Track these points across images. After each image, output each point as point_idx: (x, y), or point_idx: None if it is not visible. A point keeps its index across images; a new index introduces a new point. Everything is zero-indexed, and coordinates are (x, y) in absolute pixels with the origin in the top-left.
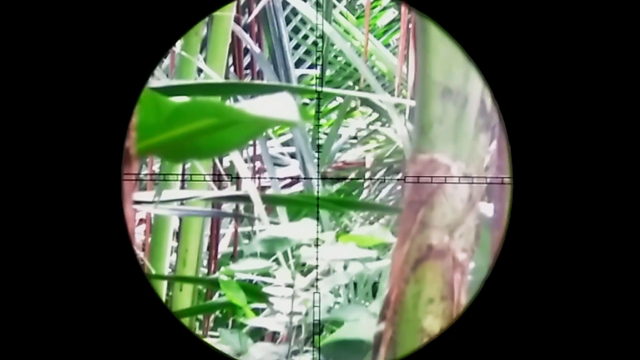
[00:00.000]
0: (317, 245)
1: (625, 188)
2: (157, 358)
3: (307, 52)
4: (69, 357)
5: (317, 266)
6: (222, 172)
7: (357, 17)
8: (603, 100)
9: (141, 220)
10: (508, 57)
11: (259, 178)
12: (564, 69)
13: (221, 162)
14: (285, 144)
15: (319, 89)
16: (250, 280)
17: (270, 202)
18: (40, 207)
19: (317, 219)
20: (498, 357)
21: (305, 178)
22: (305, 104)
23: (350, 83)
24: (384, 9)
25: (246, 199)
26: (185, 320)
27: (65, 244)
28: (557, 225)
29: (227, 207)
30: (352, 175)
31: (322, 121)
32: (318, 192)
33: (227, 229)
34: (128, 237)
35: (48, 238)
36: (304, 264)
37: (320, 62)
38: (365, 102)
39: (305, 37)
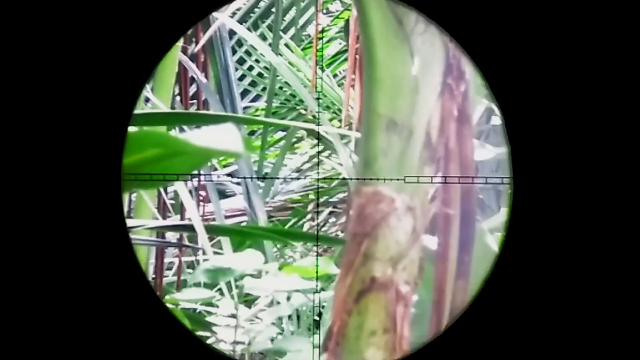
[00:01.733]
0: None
1: (625, 188)
2: (156, 358)
3: (252, 84)
4: (69, 356)
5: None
6: (167, 202)
7: (303, 49)
8: (603, 101)
9: None
10: (508, 58)
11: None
12: (563, 70)
13: (166, 192)
14: (230, 174)
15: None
16: (194, 310)
17: (215, 232)
18: (39, 207)
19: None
20: (498, 357)
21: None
22: (250, 135)
23: (296, 114)
24: (330, 40)
25: (190, 228)
26: None
27: (65, 243)
28: (556, 225)
29: (172, 236)
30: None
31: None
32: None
33: (172, 258)
34: (128, 236)
35: (48, 238)
36: (247, 294)
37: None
38: (311, 133)
39: (251, 68)
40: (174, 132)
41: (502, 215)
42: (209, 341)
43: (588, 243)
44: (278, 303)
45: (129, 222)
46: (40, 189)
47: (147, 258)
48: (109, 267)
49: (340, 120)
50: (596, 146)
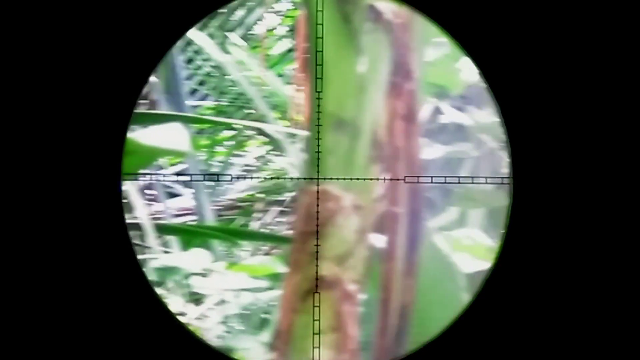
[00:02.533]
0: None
1: (625, 188)
2: (156, 357)
3: (202, 82)
4: (69, 356)
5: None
6: None
7: (252, 48)
8: (603, 101)
9: None
10: (508, 57)
11: None
12: (563, 70)
13: None
14: (178, 173)
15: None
16: None
17: (163, 232)
18: (39, 207)
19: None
20: (498, 357)
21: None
22: (198, 133)
23: (246, 112)
24: (279, 38)
25: (139, 227)
26: None
27: (65, 243)
28: (556, 225)
29: None
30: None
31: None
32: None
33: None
34: (128, 236)
35: (47, 238)
36: (195, 293)
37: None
38: (260, 131)
39: (199, 67)
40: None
41: (450, 214)
42: None
43: (588, 242)
44: (226, 302)
45: None
46: (40, 189)
47: None
48: (108, 267)
49: (287, 120)
50: (596, 146)
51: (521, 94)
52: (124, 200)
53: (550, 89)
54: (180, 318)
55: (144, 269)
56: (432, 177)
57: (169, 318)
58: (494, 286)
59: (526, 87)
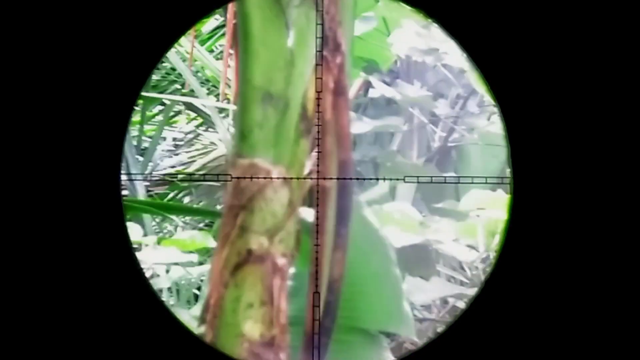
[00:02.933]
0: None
1: (624, 187)
2: (155, 355)
3: None
4: (68, 356)
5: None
6: None
7: None
8: (602, 101)
9: None
10: (508, 58)
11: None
12: (563, 70)
13: None
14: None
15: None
16: None
17: None
18: (39, 207)
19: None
20: (498, 356)
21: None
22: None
23: (176, 87)
24: (209, 15)
25: None
26: None
27: (64, 242)
28: (556, 224)
29: None
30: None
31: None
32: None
33: None
34: (127, 235)
35: (47, 237)
36: None
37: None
38: (190, 106)
39: None
40: None
41: (379, 188)
42: None
43: (588, 242)
44: (157, 276)
45: None
46: (39, 189)
47: None
48: (107, 266)
49: (217, 95)
50: (596, 146)
51: (521, 94)
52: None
53: (550, 89)
54: None
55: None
56: (432, 177)
57: (168, 317)
58: (494, 286)
59: (526, 88)
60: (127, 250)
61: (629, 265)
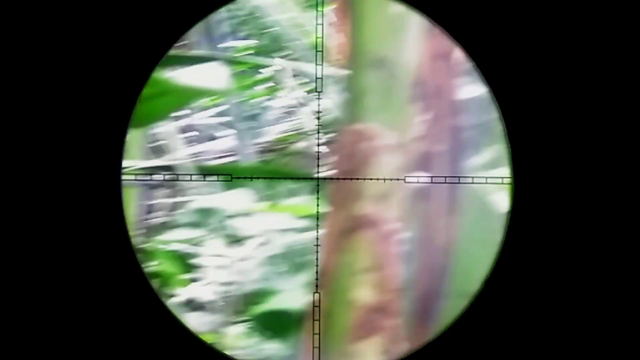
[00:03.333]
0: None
1: (624, 187)
2: (155, 355)
3: (241, 23)
4: (67, 354)
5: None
6: (157, 142)
7: None
8: (603, 101)
9: None
10: (508, 58)
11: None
12: (563, 70)
13: (154, 132)
14: (220, 114)
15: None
16: (183, 250)
17: (204, 172)
18: (39, 205)
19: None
20: (498, 357)
21: None
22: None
23: (284, 53)
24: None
25: (181, 168)
26: None
27: (64, 241)
28: (556, 225)
29: (161, 176)
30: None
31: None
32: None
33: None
34: (127, 234)
35: (47, 236)
36: (237, 234)
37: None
38: (299, 72)
39: (237, 8)
40: (162, 73)
41: (491, 152)
42: (197, 283)
43: (588, 242)
44: (268, 242)
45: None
46: (40, 189)
47: (135, 199)
48: (108, 265)
49: (327, 60)
50: (596, 146)
51: (521, 94)
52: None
53: (550, 89)
54: (221, 259)
55: (143, 267)
56: (432, 177)
57: (168, 316)
58: (494, 286)
59: (526, 88)
60: (127, 251)
61: (629, 263)
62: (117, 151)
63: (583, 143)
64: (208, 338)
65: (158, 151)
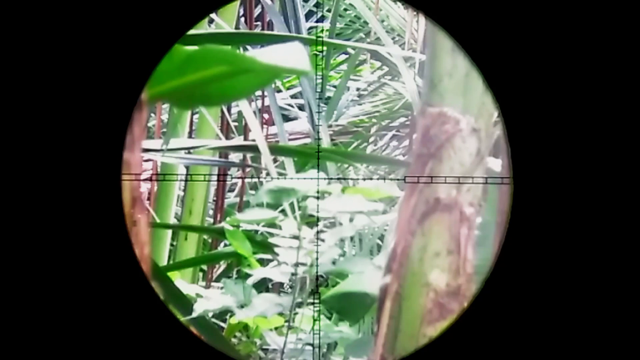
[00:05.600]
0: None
1: (625, 188)
2: (155, 356)
3: (317, 4)
4: (66, 355)
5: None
6: (230, 123)
7: None
8: (603, 100)
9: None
10: (508, 58)
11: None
12: (563, 69)
13: (229, 112)
14: (293, 96)
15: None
16: (256, 231)
17: (278, 153)
18: (39, 203)
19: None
20: (498, 357)
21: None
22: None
23: (360, 36)
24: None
25: (254, 149)
26: (189, 271)
27: (64, 240)
28: (557, 225)
29: (235, 157)
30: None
31: (331, 74)
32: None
33: (234, 179)
34: (127, 233)
35: (47, 235)
36: (310, 216)
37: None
38: (375, 55)
39: None
40: (241, 50)
41: None
42: (271, 264)
43: (588, 242)
44: (341, 224)
45: (192, 142)
46: (39, 188)
47: (209, 179)
48: (108, 264)
49: (403, 44)
50: (596, 146)
51: (521, 94)
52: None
53: (550, 89)
54: (294, 241)
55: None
56: (432, 177)
57: (169, 316)
58: (494, 286)
59: (526, 88)
60: (128, 253)
61: (629, 264)
62: (117, 151)
63: (583, 143)
64: (278, 321)
65: (234, 131)
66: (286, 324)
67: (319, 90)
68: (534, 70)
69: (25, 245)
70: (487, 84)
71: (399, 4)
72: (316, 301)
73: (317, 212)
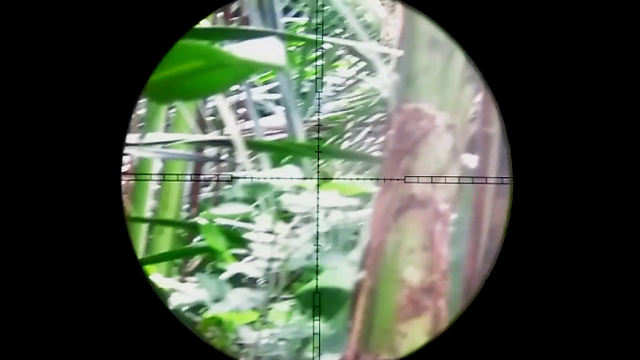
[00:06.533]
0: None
1: (624, 188)
2: (155, 355)
3: (295, 0)
4: (68, 355)
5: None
6: (206, 117)
7: None
8: (602, 101)
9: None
10: (508, 58)
11: None
12: (563, 70)
13: (205, 106)
14: (270, 91)
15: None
16: (231, 226)
17: (253, 148)
18: (40, 203)
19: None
20: (498, 357)
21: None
22: (292, 51)
23: (336, 32)
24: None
25: (230, 144)
26: (164, 265)
27: (64, 239)
28: (556, 225)
29: (210, 151)
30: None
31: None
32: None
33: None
34: (127, 232)
35: (47, 235)
36: (285, 211)
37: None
38: (351, 51)
39: None
40: (218, 45)
41: None
42: (245, 259)
43: (587, 242)
44: (316, 220)
45: (168, 137)
46: (39, 188)
47: (184, 173)
48: (108, 264)
49: (379, 40)
50: (596, 146)
51: (521, 94)
52: (213, 118)
53: (550, 89)
54: (269, 236)
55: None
56: (432, 177)
57: (168, 316)
58: (494, 286)
59: (526, 88)
60: (127, 251)
61: (629, 264)
62: (117, 150)
63: (583, 143)
64: (252, 315)
65: (210, 125)
66: (260, 318)
67: (297, 85)
68: (534, 71)
69: (25, 245)
70: (486, 84)
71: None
72: (291, 296)
73: (293, 207)
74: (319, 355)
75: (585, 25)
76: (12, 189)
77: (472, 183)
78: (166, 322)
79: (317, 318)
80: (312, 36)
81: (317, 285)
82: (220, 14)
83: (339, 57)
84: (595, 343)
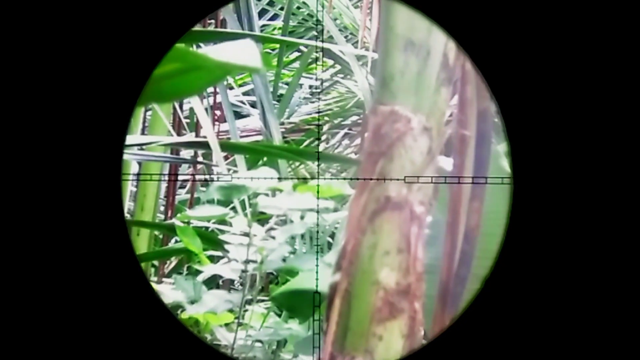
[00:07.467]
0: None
1: (624, 188)
2: (155, 355)
3: (271, 3)
4: (67, 354)
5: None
6: (182, 119)
7: None
8: (602, 101)
9: None
10: (508, 58)
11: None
12: (563, 70)
13: (181, 109)
14: (245, 93)
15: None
16: (207, 228)
17: (229, 150)
18: (41, 203)
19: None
20: (499, 356)
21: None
22: (268, 53)
23: (313, 34)
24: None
25: (206, 145)
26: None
27: (64, 239)
28: (556, 225)
29: (186, 153)
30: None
31: (283, 71)
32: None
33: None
34: (126, 233)
35: (47, 235)
36: (260, 213)
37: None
38: (328, 53)
39: None
40: (194, 47)
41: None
42: (221, 262)
43: (587, 242)
44: (291, 222)
45: (144, 139)
46: (39, 188)
47: (160, 174)
48: (108, 263)
49: (355, 42)
50: (596, 146)
51: (521, 94)
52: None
53: (550, 89)
54: (244, 238)
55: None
56: (432, 177)
57: (168, 316)
58: (494, 286)
59: (526, 87)
60: (129, 255)
61: (629, 264)
62: (117, 151)
63: (583, 143)
64: (228, 317)
65: (186, 127)
66: (236, 320)
67: (272, 88)
68: (534, 71)
69: (25, 245)
70: (486, 84)
71: (351, 2)
72: (266, 298)
73: (268, 208)
74: (319, 356)
75: (586, 23)
76: (11, 188)
77: (472, 183)
78: (166, 321)
79: (316, 318)
80: (290, 39)
81: (317, 285)
82: None
83: (315, 60)
84: (595, 343)
